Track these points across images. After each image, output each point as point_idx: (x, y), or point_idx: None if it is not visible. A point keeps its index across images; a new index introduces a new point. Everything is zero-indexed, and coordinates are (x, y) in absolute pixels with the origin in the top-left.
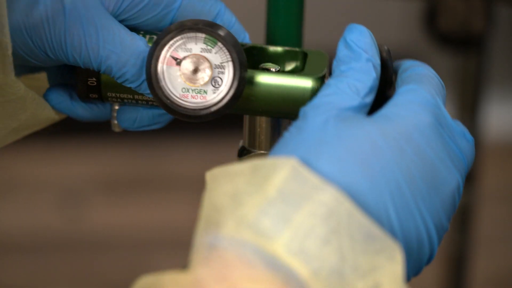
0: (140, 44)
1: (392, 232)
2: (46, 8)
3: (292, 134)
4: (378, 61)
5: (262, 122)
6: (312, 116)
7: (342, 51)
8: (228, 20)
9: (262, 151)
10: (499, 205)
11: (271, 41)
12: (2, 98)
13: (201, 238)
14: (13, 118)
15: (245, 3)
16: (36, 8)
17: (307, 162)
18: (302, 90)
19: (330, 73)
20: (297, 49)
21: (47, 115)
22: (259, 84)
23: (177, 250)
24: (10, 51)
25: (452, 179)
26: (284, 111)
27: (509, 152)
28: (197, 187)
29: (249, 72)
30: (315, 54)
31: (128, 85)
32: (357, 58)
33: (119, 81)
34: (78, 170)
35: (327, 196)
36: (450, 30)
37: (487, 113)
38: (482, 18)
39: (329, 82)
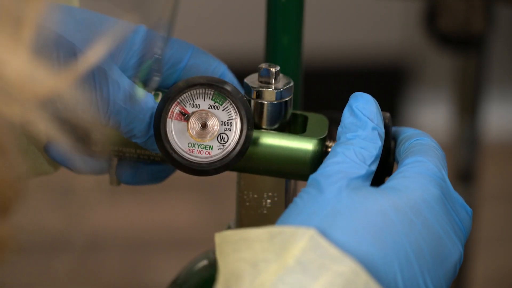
0: (149, 100)
1: None
2: (58, 61)
3: (305, 201)
4: (383, 130)
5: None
6: (325, 186)
7: (348, 118)
8: (230, 82)
9: None
10: (499, 205)
11: (270, 58)
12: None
13: None
14: (10, 169)
15: (245, 6)
16: (49, 59)
17: (323, 232)
18: (304, 152)
19: (330, 136)
20: (298, 112)
21: (44, 169)
22: (261, 144)
23: (177, 250)
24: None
25: (455, 252)
26: (284, 171)
27: (509, 152)
28: (197, 187)
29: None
30: (315, 117)
31: (135, 141)
32: (363, 126)
33: (125, 136)
34: None
35: (345, 268)
36: (450, 30)
37: (487, 113)
38: (482, 18)
39: (336, 149)
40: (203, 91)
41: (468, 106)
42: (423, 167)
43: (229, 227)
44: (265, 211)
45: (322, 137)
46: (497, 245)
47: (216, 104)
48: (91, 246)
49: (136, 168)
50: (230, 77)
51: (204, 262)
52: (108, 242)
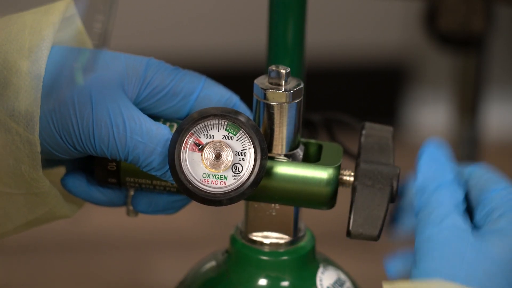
0: (165, 132)
1: None
2: (73, 102)
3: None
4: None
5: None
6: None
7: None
8: (243, 112)
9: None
10: None
11: (273, 58)
12: (26, 191)
13: None
14: (31, 211)
15: (248, 5)
16: (63, 102)
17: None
18: (318, 180)
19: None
20: (312, 140)
21: (63, 213)
22: (275, 173)
23: (177, 251)
24: (39, 149)
25: None
26: (299, 200)
27: (509, 152)
28: None
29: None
30: (330, 146)
31: (154, 173)
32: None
33: (145, 169)
34: None
35: None
36: (450, 30)
37: (487, 113)
38: (482, 18)
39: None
40: (217, 121)
41: (468, 106)
42: None
43: (237, 229)
44: (274, 213)
45: (336, 165)
46: None
47: (230, 134)
48: (92, 246)
49: (152, 198)
50: (243, 108)
51: (212, 263)
52: (108, 242)
